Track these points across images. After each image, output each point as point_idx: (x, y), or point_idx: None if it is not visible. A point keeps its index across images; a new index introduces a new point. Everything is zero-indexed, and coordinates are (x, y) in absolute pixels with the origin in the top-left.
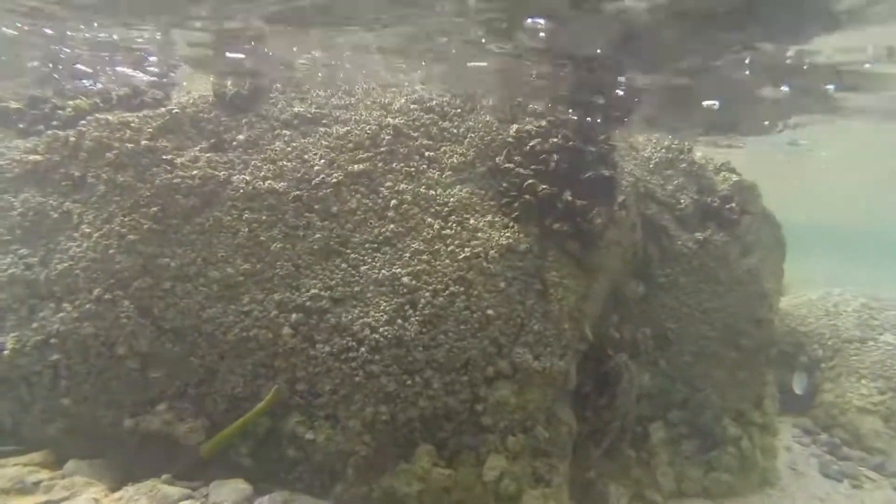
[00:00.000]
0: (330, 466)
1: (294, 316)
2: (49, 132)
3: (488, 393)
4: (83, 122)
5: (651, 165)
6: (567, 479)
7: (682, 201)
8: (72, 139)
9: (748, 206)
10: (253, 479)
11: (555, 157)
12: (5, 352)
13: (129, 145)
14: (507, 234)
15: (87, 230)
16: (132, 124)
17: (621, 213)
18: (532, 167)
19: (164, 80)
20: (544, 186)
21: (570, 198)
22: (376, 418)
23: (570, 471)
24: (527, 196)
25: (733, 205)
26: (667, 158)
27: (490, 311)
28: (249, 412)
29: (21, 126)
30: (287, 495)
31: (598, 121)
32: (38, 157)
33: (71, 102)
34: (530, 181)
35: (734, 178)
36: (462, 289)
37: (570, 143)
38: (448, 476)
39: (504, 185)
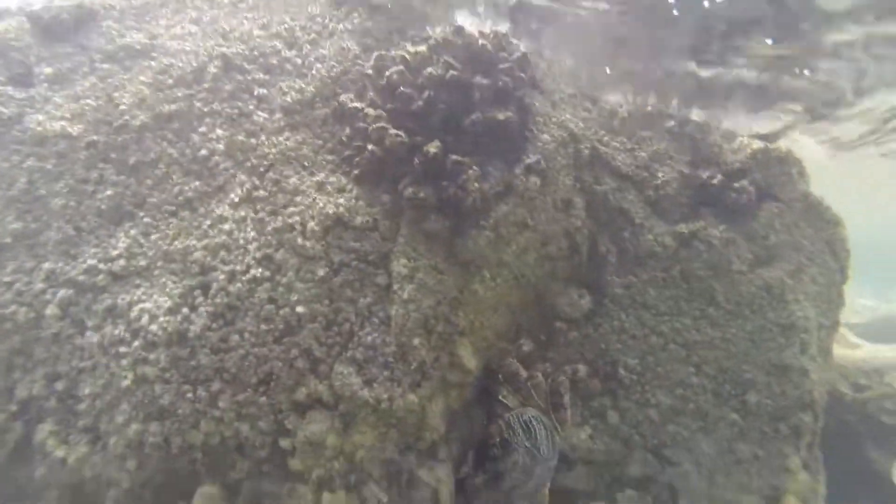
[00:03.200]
0: (83, 499)
1: (63, 292)
2: None
3: (297, 425)
4: None
5: (615, 122)
6: None
7: (659, 175)
8: None
9: (776, 189)
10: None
11: (426, 93)
12: None
13: None
14: (339, 201)
15: None
16: None
17: (531, 181)
18: (388, 106)
19: None
20: (396, 132)
21: (433, 150)
22: (144, 439)
23: None
24: (371, 147)
25: (745, 182)
26: (645, 114)
27: (301, 309)
28: None
29: None
30: None
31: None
32: None
33: None
34: (379, 125)
35: (757, 145)
36: (267, 273)
37: (452, 73)
38: None
39: (348, 131)
